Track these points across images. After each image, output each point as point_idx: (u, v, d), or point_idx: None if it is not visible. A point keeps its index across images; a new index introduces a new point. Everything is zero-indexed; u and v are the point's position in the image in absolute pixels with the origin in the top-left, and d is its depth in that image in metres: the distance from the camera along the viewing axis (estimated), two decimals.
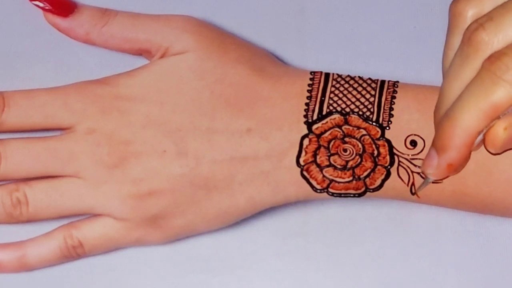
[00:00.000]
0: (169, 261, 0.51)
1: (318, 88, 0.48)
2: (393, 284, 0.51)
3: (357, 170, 0.47)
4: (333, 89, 0.48)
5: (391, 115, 0.47)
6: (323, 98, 0.48)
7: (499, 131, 0.39)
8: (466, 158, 0.40)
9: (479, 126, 0.39)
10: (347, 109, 0.48)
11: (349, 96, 0.48)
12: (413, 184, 0.47)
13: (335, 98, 0.48)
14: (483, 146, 0.40)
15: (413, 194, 0.47)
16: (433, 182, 0.44)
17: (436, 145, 0.41)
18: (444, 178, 0.41)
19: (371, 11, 0.53)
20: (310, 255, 0.51)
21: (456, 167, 0.40)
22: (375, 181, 0.47)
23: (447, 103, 0.41)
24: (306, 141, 0.47)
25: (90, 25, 0.49)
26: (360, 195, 0.47)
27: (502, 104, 0.38)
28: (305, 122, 0.47)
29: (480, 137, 0.40)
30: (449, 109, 0.40)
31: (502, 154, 0.45)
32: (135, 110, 0.48)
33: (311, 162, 0.47)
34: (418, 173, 0.47)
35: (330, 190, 0.47)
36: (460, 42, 0.39)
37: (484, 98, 0.38)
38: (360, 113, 0.47)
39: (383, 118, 0.47)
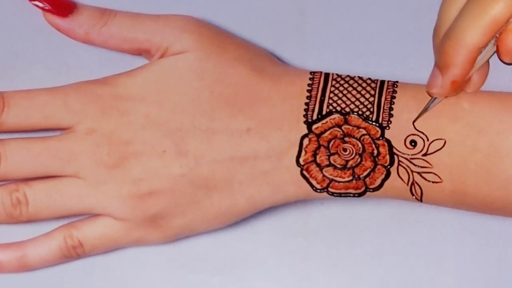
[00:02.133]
0: (169, 261, 0.51)
1: (318, 88, 0.48)
2: (393, 284, 0.51)
3: (357, 170, 0.47)
4: (332, 89, 0.48)
5: (390, 115, 0.47)
6: (323, 98, 0.48)
7: (511, 36, 0.41)
8: (468, 74, 0.42)
9: (480, 42, 0.41)
10: (347, 109, 0.48)
11: (349, 96, 0.48)
12: (413, 184, 0.47)
13: (335, 98, 0.48)
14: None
15: (416, 119, 0.47)
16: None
17: (439, 64, 0.43)
18: (446, 96, 0.45)
19: (371, 11, 0.53)
20: (310, 255, 0.51)
21: (460, 84, 0.43)
22: (375, 180, 0.47)
23: (446, 24, 0.43)
24: (306, 141, 0.47)
25: (89, 25, 0.49)
26: (360, 194, 0.47)
27: (501, 18, 0.41)
28: (305, 122, 0.47)
29: (481, 55, 0.41)
30: (449, 29, 0.42)
31: (502, 154, 0.45)
32: (135, 110, 0.48)
33: (311, 161, 0.47)
34: (418, 173, 0.47)
35: (330, 189, 0.47)
36: None
37: (484, 14, 0.40)
38: (360, 112, 0.47)
39: (382, 117, 0.47)
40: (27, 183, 0.48)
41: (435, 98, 0.46)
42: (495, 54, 0.44)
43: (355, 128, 0.47)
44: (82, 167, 0.48)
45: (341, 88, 0.48)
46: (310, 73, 0.49)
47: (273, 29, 0.53)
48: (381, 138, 0.47)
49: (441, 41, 0.44)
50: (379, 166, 0.47)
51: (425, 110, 0.46)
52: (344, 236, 0.51)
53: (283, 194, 0.48)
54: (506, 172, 0.45)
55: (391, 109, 0.47)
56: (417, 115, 0.47)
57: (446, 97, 0.46)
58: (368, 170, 0.47)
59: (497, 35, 0.43)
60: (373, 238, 0.51)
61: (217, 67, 0.48)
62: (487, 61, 0.45)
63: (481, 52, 0.43)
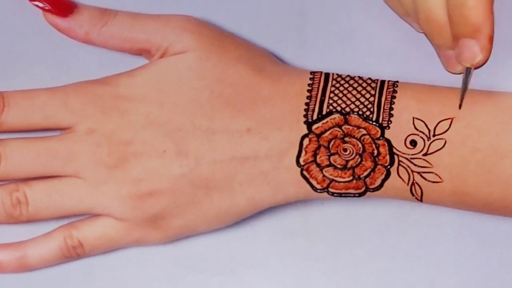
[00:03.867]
0: (169, 261, 0.51)
1: (318, 88, 0.48)
2: (393, 284, 0.51)
3: (357, 170, 0.47)
4: (333, 89, 0.48)
5: (391, 115, 0.47)
6: (323, 98, 0.48)
7: None
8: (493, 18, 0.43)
9: None
10: (347, 109, 0.48)
11: (349, 96, 0.48)
12: (413, 184, 0.47)
13: (335, 98, 0.48)
14: None
15: (460, 104, 0.47)
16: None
17: (467, 33, 0.43)
18: (488, 58, 0.44)
19: (371, 11, 0.53)
20: (310, 255, 0.51)
21: (493, 35, 0.44)
22: (375, 180, 0.47)
23: (439, 5, 0.44)
24: (306, 141, 0.47)
25: (89, 25, 0.49)
26: (360, 194, 0.47)
27: None
28: (305, 122, 0.47)
29: None
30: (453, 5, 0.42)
31: (502, 154, 0.45)
32: (135, 110, 0.48)
33: (311, 161, 0.47)
34: (419, 173, 0.47)
35: (330, 189, 0.47)
36: None
37: None
38: (360, 112, 0.47)
39: (383, 117, 0.47)
40: (27, 183, 0.48)
41: (468, 72, 0.45)
42: None
43: (355, 128, 0.47)
44: (82, 167, 0.47)
45: (341, 88, 0.48)
46: (310, 73, 0.49)
47: (273, 29, 0.53)
48: (381, 138, 0.47)
49: (452, 14, 0.43)
50: (379, 166, 0.47)
51: (465, 89, 0.46)
52: (344, 236, 0.51)
53: (283, 194, 0.48)
54: (506, 172, 0.45)
55: (391, 109, 0.47)
56: (417, 114, 0.47)
57: (483, 64, 0.45)
58: (368, 170, 0.47)
59: None
60: (373, 238, 0.51)
61: (218, 67, 0.48)
62: None
63: None
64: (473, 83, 0.48)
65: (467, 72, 0.46)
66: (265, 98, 0.48)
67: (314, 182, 0.47)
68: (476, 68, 0.45)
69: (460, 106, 0.46)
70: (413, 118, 0.47)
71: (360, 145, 0.47)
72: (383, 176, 0.47)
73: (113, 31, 0.49)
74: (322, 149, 0.47)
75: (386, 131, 0.47)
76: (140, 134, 0.47)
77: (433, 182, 0.46)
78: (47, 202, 0.48)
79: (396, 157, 0.47)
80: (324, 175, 0.47)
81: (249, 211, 0.48)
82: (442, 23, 0.45)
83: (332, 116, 0.48)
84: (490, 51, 0.44)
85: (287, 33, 0.53)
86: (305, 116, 0.48)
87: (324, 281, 0.51)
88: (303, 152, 0.47)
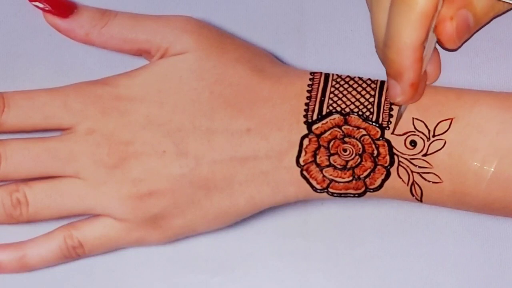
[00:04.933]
0: (169, 261, 0.51)
1: (318, 88, 0.48)
2: (393, 284, 0.51)
3: (357, 170, 0.47)
4: (332, 89, 0.48)
5: (390, 115, 0.47)
6: (323, 98, 0.48)
7: (447, 24, 0.41)
8: (422, 72, 0.42)
9: (419, 38, 0.41)
10: (347, 109, 0.48)
11: (349, 96, 0.48)
12: (413, 184, 0.47)
13: (335, 98, 0.48)
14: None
15: (392, 133, 0.47)
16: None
17: (391, 74, 0.43)
18: (413, 100, 0.45)
19: None
20: (310, 255, 0.51)
21: (419, 84, 0.42)
22: (375, 181, 0.47)
23: (381, 33, 0.44)
24: (306, 141, 0.47)
25: (89, 26, 0.49)
26: (360, 195, 0.47)
27: (429, 9, 0.41)
28: (305, 122, 0.47)
29: (426, 49, 0.42)
30: (385, 37, 0.42)
31: (502, 155, 0.45)
32: (135, 111, 0.48)
33: (311, 162, 0.47)
34: (418, 173, 0.47)
35: (330, 190, 0.47)
36: None
37: (411, 11, 0.40)
38: (360, 113, 0.47)
39: (382, 118, 0.47)
40: (27, 184, 0.48)
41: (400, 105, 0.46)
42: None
43: (355, 129, 0.47)
44: (82, 167, 0.48)
45: (341, 89, 0.48)
46: (310, 73, 0.49)
47: (273, 29, 0.53)
48: (381, 138, 0.47)
49: (383, 51, 0.43)
50: (379, 167, 0.47)
51: (398, 118, 0.46)
52: (344, 236, 0.51)
53: (283, 195, 0.48)
54: (506, 172, 0.45)
55: (391, 109, 0.47)
56: (417, 115, 0.47)
57: (413, 102, 0.46)
58: (368, 171, 0.47)
59: (433, 26, 0.42)
60: (373, 238, 0.51)
61: (217, 67, 0.48)
62: (435, 48, 0.45)
63: (424, 46, 0.43)
64: (473, 83, 0.48)
65: (399, 110, 0.46)
66: (265, 98, 0.48)
67: (314, 182, 0.47)
68: (402, 104, 0.46)
69: (393, 131, 0.47)
70: (413, 118, 0.47)
71: (360, 145, 0.47)
72: (383, 177, 0.47)
73: (113, 31, 0.49)
74: (322, 149, 0.47)
75: (386, 131, 0.47)
76: (140, 134, 0.47)
77: (433, 182, 0.46)
78: (47, 203, 0.48)
79: (396, 157, 0.47)
80: (324, 175, 0.47)
81: (249, 211, 0.48)
82: (381, 54, 0.46)
83: (332, 117, 0.48)
84: (412, 96, 0.44)
85: (287, 33, 0.53)
86: (305, 116, 0.48)
87: (324, 281, 0.51)
88: (303, 153, 0.47)
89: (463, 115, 0.46)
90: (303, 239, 0.51)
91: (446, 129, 0.46)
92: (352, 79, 0.48)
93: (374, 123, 0.47)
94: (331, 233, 0.51)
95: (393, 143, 0.47)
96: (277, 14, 0.53)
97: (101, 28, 0.49)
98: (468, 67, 0.50)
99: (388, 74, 0.44)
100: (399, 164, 0.47)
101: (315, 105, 0.48)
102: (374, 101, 0.47)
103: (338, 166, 0.47)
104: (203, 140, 0.47)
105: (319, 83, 0.48)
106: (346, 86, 0.48)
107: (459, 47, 0.46)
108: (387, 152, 0.47)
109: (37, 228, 0.50)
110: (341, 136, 0.47)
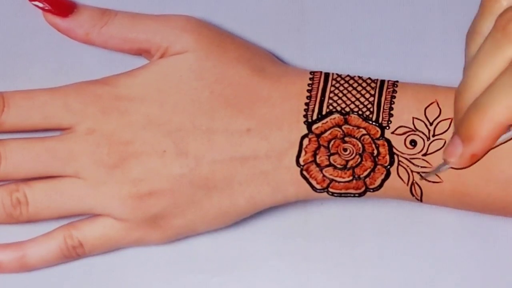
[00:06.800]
0: (169, 261, 0.51)
1: (317, 88, 0.48)
2: (393, 284, 0.51)
3: (357, 170, 0.47)
4: (332, 89, 0.48)
5: (390, 115, 0.47)
6: (322, 98, 0.48)
7: None
8: (489, 150, 0.39)
9: (509, 120, 0.38)
10: (347, 109, 0.48)
11: (349, 95, 0.48)
12: (413, 184, 0.47)
13: (335, 98, 0.48)
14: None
15: (423, 178, 0.46)
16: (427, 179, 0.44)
17: (462, 134, 0.40)
18: (462, 168, 0.41)
19: (371, 11, 0.53)
20: (310, 255, 0.51)
21: (479, 158, 0.40)
22: (375, 180, 0.47)
23: (474, 91, 0.39)
24: (306, 141, 0.47)
25: (89, 26, 0.49)
26: (360, 194, 0.47)
27: None
28: (305, 122, 0.47)
29: (507, 133, 0.39)
30: (478, 99, 0.39)
31: (502, 154, 0.45)
32: (135, 110, 0.48)
33: (311, 161, 0.47)
34: (418, 173, 0.46)
35: (330, 189, 0.47)
36: (492, 28, 0.37)
37: None
38: (360, 112, 0.47)
39: (382, 117, 0.47)
40: (27, 183, 0.48)
41: (444, 164, 0.42)
42: None
43: (355, 128, 0.47)
44: (82, 167, 0.47)
45: (341, 88, 0.48)
46: (310, 73, 0.49)
47: (273, 29, 0.53)
48: (381, 138, 0.47)
49: (467, 110, 0.39)
50: (379, 166, 0.47)
51: (435, 173, 0.44)
52: (344, 236, 0.51)
53: (283, 194, 0.48)
54: (505, 172, 0.45)
55: (391, 109, 0.47)
56: (416, 114, 0.47)
57: (461, 168, 0.41)
58: (368, 170, 0.47)
59: None
60: (373, 238, 0.51)
61: (217, 67, 0.48)
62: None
63: (509, 130, 0.40)
64: None
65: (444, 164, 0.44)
66: (265, 98, 0.48)
67: (314, 182, 0.47)
68: (450, 166, 0.43)
69: (422, 178, 0.46)
70: (413, 118, 0.47)
71: (360, 145, 0.47)
72: (383, 176, 0.47)
73: (113, 31, 0.49)
74: (322, 149, 0.47)
75: (386, 131, 0.47)
76: (140, 134, 0.47)
77: (433, 182, 0.46)
78: (47, 202, 0.48)
79: (396, 157, 0.47)
80: (324, 175, 0.47)
81: (249, 211, 0.48)
82: (461, 104, 0.41)
83: (332, 116, 0.47)
84: (466, 165, 0.40)
85: (287, 33, 0.53)
86: (305, 116, 0.48)
87: (324, 281, 0.51)
88: (303, 152, 0.47)
89: None
90: (303, 239, 0.51)
91: (446, 129, 0.46)
92: (352, 78, 0.48)
93: (374, 123, 0.47)
94: (331, 233, 0.51)
95: (393, 143, 0.47)
96: (277, 14, 0.53)
97: (101, 27, 0.49)
98: None
99: (457, 132, 0.40)
100: (399, 164, 0.47)
101: (315, 104, 0.48)
102: (374, 101, 0.47)
103: (338, 166, 0.47)
104: (203, 140, 0.47)
105: (319, 83, 0.48)
106: (346, 85, 0.48)
107: None
108: (387, 152, 0.47)
109: (37, 228, 0.50)
110: (341, 136, 0.47)
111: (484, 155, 0.39)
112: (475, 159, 0.40)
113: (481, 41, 0.39)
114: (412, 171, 0.47)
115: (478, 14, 0.39)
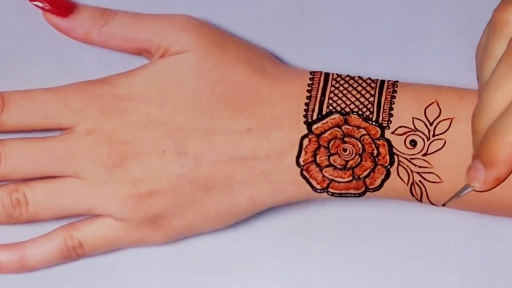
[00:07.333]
0: (169, 261, 0.51)
1: (317, 88, 0.48)
2: (394, 284, 0.51)
3: (357, 170, 0.47)
4: (332, 89, 0.48)
5: (390, 115, 0.47)
6: (322, 98, 0.48)
7: None
8: None
9: None
10: (347, 109, 0.48)
11: (349, 96, 0.48)
12: (413, 184, 0.47)
13: (335, 98, 0.48)
14: None
15: (445, 203, 0.46)
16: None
17: (483, 159, 0.40)
18: (487, 190, 0.41)
19: (371, 11, 0.53)
20: (311, 255, 0.51)
21: (502, 180, 0.39)
22: (375, 181, 0.47)
23: (491, 114, 0.39)
24: (306, 141, 0.47)
25: (89, 25, 0.49)
26: (360, 195, 0.47)
27: None
28: (305, 122, 0.47)
29: None
30: (496, 124, 0.39)
31: None
32: (135, 110, 0.48)
33: (311, 162, 0.47)
34: (418, 173, 0.46)
35: (330, 190, 0.47)
36: (505, 53, 0.38)
37: None
38: (360, 112, 0.47)
39: (382, 117, 0.47)
40: (27, 184, 0.48)
41: (466, 187, 0.42)
42: None
43: (355, 128, 0.47)
44: (82, 167, 0.47)
45: (341, 88, 0.48)
46: (310, 73, 0.49)
47: (273, 29, 0.53)
48: (381, 138, 0.47)
49: (486, 134, 0.39)
50: (379, 166, 0.47)
51: (457, 196, 0.43)
52: (345, 236, 0.51)
53: (283, 195, 0.48)
54: None
55: (391, 109, 0.47)
56: (417, 114, 0.47)
57: (485, 191, 0.41)
58: (368, 170, 0.47)
59: None
60: (374, 238, 0.51)
61: (217, 67, 0.48)
62: None
63: None
64: (473, 83, 0.47)
65: (467, 187, 0.42)
66: (265, 98, 0.48)
67: (314, 182, 0.47)
68: (473, 189, 0.41)
69: (443, 204, 0.46)
70: (413, 118, 0.47)
71: (360, 145, 0.47)
72: (383, 176, 0.47)
73: (113, 31, 0.49)
74: (322, 149, 0.47)
75: (386, 131, 0.47)
76: (140, 134, 0.47)
77: (433, 182, 0.46)
78: (47, 203, 0.48)
79: (396, 157, 0.47)
80: (324, 175, 0.47)
81: (249, 211, 0.48)
82: (478, 127, 0.41)
83: (332, 116, 0.47)
84: (491, 188, 0.40)
85: (287, 33, 0.53)
86: (305, 116, 0.47)
87: (324, 281, 0.51)
88: (303, 152, 0.47)
89: (463, 115, 0.46)
90: (304, 240, 0.51)
91: (446, 129, 0.46)
92: (352, 78, 0.48)
93: (374, 123, 0.47)
94: (331, 233, 0.51)
95: (393, 143, 0.47)
96: (277, 14, 0.53)
97: (101, 27, 0.49)
98: (472, 67, 0.50)
99: (477, 156, 0.40)
100: (399, 164, 0.47)
101: (315, 105, 0.48)
102: (374, 101, 0.47)
103: (338, 166, 0.47)
104: (203, 140, 0.47)
105: (319, 83, 0.48)
106: (346, 85, 0.48)
107: None
108: (387, 152, 0.47)
109: (37, 228, 0.50)
110: (341, 136, 0.47)
111: (508, 176, 0.39)
112: (499, 182, 0.40)
113: (494, 64, 0.39)
114: (412, 171, 0.47)
115: (490, 37, 0.39)
